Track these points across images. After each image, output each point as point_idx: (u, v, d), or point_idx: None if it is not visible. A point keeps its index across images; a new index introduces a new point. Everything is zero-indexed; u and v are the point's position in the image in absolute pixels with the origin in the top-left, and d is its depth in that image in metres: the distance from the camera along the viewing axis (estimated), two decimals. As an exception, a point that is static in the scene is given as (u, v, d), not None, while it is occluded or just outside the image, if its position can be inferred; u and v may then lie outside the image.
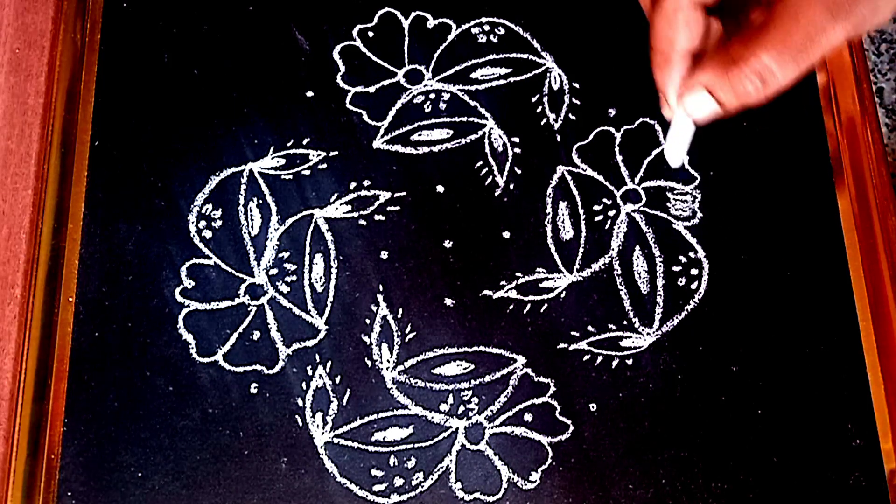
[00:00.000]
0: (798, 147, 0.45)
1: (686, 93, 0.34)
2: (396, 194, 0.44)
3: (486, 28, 0.47)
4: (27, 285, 0.43)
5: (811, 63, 0.32)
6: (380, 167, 0.44)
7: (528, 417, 0.41)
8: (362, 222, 0.43)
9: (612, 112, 0.45)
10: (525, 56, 0.46)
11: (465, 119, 0.45)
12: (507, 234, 0.43)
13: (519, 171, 0.44)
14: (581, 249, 0.43)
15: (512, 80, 0.46)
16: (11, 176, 0.44)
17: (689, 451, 0.40)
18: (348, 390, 0.41)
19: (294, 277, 0.42)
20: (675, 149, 0.37)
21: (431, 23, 0.47)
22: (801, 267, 0.43)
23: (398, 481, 0.40)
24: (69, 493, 0.39)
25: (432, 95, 0.46)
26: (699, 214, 0.44)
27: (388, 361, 0.41)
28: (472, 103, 0.45)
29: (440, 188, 0.44)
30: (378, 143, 0.45)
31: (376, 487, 0.39)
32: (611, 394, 0.41)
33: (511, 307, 0.42)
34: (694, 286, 0.43)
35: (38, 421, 0.40)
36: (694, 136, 0.37)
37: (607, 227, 0.43)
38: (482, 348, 0.41)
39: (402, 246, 0.43)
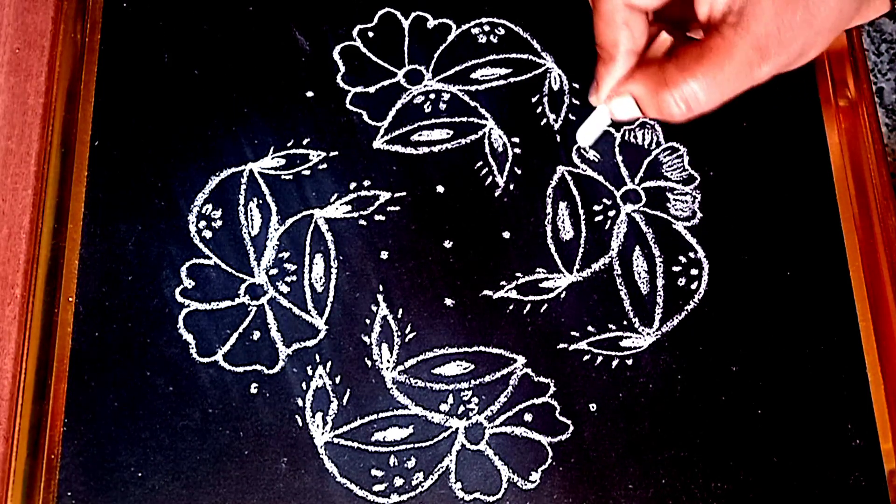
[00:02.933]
0: (798, 147, 0.45)
1: (615, 95, 0.35)
2: (396, 194, 0.44)
3: (486, 28, 0.47)
4: (27, 285, 0.43)
5: (735, 94, 0.34)
6: (380, 167, 0.44)
7: (528, 417, 0.41)
8: (362, 222, 0.43)
9: (612, 112, 0.45)
10: (525, 56, 0.46)
11: (465, 119, 0.45)
12: (507, 234, 0.43)
13: (519, 172, 0.44)
14: (581, 249, 0.43)
15: (512, 80, 0.46)
16: (11, 176, 0.44)
17: (689, 451, 0.40)
18: (348, 390, 0.41)
19: (294, 277, 0.42)
20: (589, 132, 0.40)
21: (431, 23, 0.47)
22: (801, 267, 0.43)
23: (398, 481, 0.40)
24: (69, 493, 0.39)
25: (432, 96, 0.46)
26: (699, 214, 0.44)
27: (388, 361, 0.41)
28: (472, 103, 0.45)
29: (440, 188, 0.44)
30: (378, 144, 0.45)
31: (376, 487, 0.40)
32: (611, 394, 0.41)
33: (511, 307, 0.42)
34: (694, 286, 0.43)
35: (38, 421, 0.40)
36: (608, 126, 0.41)
37: (607, 227, 0.43)
38: (482, 348, 0.41)
39: (402, 246, 0.43)
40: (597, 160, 0.45)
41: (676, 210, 0.44)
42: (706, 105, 0.33)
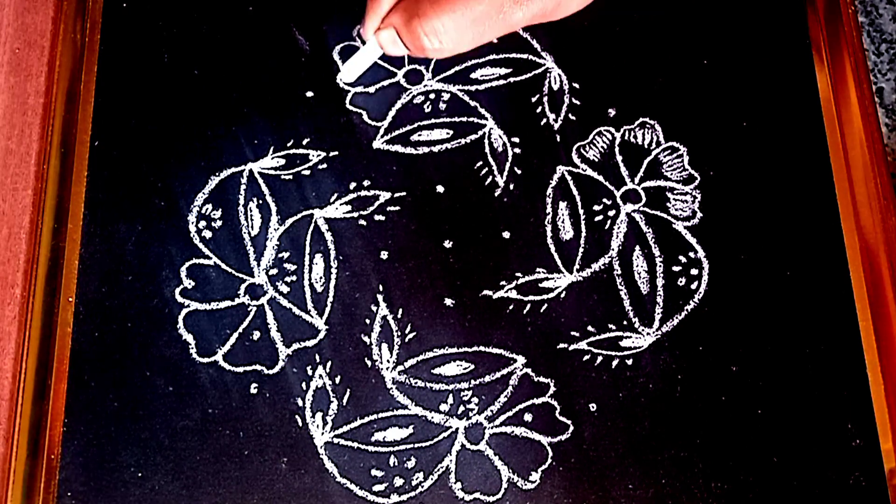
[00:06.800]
0: (798, 147, 0.45)
1: (380, 29, 0.37)
2: (396, 194, 0.44)
3: (486, 28, 0.47)
4: (27, 285, 0.43)
5: (490, 37, 0.34)
6: (380, 167, 0.44)
7: (528, 417, 0.41)
8: (362, 222, 0.43)
9: (612, 112, 0.45)
10: (525, 56, 0.46)
11: (465, 119, 0.45)
12: (507, 234, 0.43)
13: (519, 171, 0.44)
14: (581, 249, 0.43)
15: (512, 80, 0.46)
16: (11, 176, 0.44)
17: (689, 451, 0.40)
18: (348, 390, 0.41)
19: (294, 277, 0.42)
20: (355, 67, 0.42)
21: (431, 23, 0.47)
22: (801, 267, 0.43)
23: (398, 481, 0.40)
24: (69, 493, 0.39)
25: (432, 95, 0.46)
26: (699, 214, 0.44)
27: (388, 361, 0.41)
28: (472, 103, 0.45)
29: (440, 188, 0.44)
30: (378, 144, 0.45)
31: (376, 487, 0.40)
32: (611, 394, 0.41)
33: (511, 307, 0.42)
34: (694, 286, 0.43)
35: (38, 421, 0.40)
36: (374, 63, 0.43)
37: (607, 227, 0.43)
38: (482, 348, 0.41)
39: (402, 246, 0.43)
40: (597, 160, 0.45)
41: (676, 210, 0.44)
42: (458, 42, 0.34)
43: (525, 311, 0.42)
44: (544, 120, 0.45)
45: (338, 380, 0.41)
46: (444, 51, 0.35)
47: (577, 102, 0.45)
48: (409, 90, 0.46)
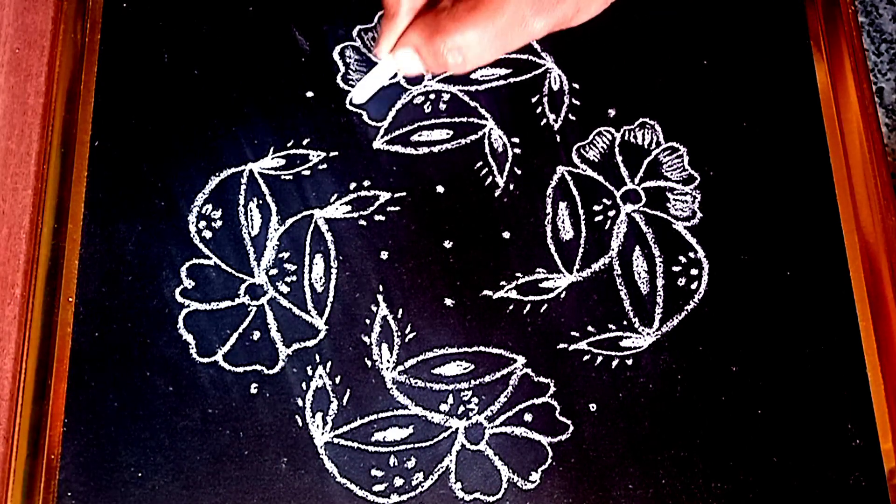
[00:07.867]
0: (798, 147, 0.45)
1: (398, 47, 0.36)
2: (396, 194, 0.44)
3: (486, 28, 0.47)
4: (27, 285, 0.43)
5: (512, 48, 0.34)
6: (380, 167, 0.44)
7: (528, 417, 0.41)
8: (362, 222, 0.43)
9: (612, 112, 0.45)
10: (525, 56, 0.46)
11: (465, 119, 0.45)
12: (507, 234, 0.43)
13: (519, 172, 0.44)
14: (581, 249, 0.43)
15: (512, 80, 0.46)
16: (11, 176, 0.44)
17: (689, 451, 0.40)
18: (348, 390, 0.41)
19: (294, 277, 0.42)
20: (367, 88, 0.40)
21: (431, 23, 0.47)
22: (801, 267, 0.43)
23: (398, 481, 0.40)
24: (69, 493, 0.39)
25: (432, 96, 0.46)
26: (699, 214, 0.44)
27: (388, 361, 0.41)
28: (472, 104, 0.45)
29: (440, 188, 0.44)
30: (378, 144, 0.45)
31: (376, 487, 0.40)
32: (611, 394, 0.41)
33: (511, 307, 0.42)
34: (694, 286, 0.43)
35: (38, 421, 0.40)
36: (386, 83, 0.41)
37: (607, 227, 0.43)
38: (482, 348, 0.41)
39: (402, 246, 0.43)
40: (597, 160, 0.45)
41: (676, 210, 0.44)
42: (481, 56, 0.34)
43: (525, 312, 0.42)
44: (544, 120, 0.45)
45: (338, 380, 0.41)
46: (466, 66, 0.34)
47: (577, 103, 0.45)
48: (410, 90, 0.46)
